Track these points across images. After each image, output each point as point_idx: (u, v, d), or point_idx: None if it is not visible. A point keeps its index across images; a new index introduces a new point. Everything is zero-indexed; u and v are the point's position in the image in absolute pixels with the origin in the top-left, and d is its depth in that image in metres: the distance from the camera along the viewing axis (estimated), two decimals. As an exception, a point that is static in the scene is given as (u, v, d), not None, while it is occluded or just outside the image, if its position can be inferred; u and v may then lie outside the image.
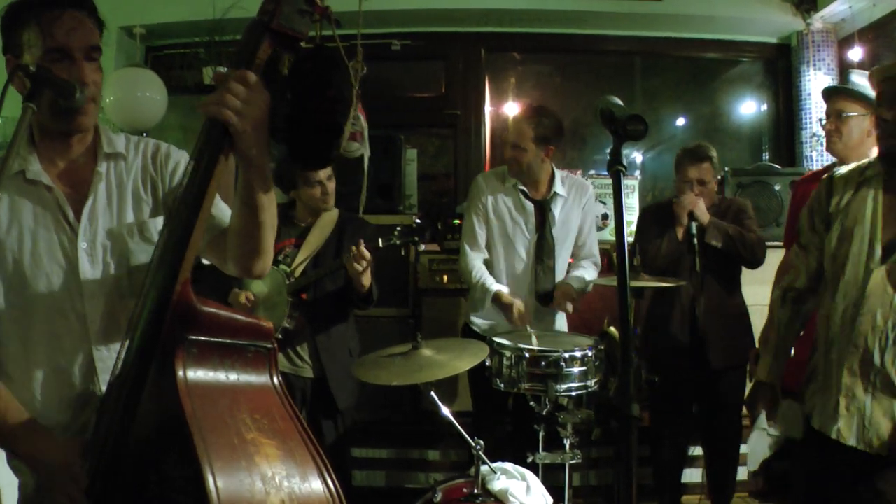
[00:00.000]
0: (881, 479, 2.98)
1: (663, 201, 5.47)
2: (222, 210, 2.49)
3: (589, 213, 5.16)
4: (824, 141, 4.51)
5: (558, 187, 5.01)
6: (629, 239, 6.01)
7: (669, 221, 5.20)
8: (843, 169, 3.35)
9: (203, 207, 1.90)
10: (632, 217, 5.99)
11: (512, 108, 7.74)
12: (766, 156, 7.59)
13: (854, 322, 3.04)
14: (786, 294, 3.55)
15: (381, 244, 4.39)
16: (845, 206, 3.21)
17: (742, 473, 5.52)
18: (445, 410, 3.79)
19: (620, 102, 2.04)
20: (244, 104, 1.89)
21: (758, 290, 5.04)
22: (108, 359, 2.28)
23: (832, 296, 3.18)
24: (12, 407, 2.27)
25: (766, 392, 3.51)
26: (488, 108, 7.55)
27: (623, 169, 1.92)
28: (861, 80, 4.18)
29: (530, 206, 4.98)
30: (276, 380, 1.99)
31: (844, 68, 6.69)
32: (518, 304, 4.72)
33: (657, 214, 5.37)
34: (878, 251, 3.04)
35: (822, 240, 3.31)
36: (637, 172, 7.55)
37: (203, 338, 1.86)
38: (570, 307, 4.90)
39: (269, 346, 1.98)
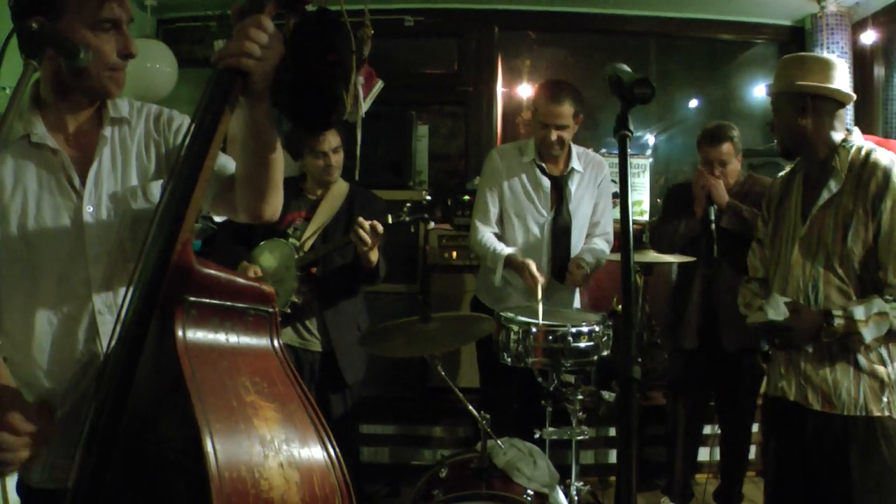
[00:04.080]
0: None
1: (688, 181, 5.43)
2: (224, 160, 2.50)
3: (604, 191, 5.14)
4: None
5: (575, 163, 5.00)
6: (645, 217, 6.01)
7: (690, 202, 5.18)
8: (783, 172, 3.90)
9: (205, 166, 1.89)
10: (641, 196, 5.96)
11: (525, 90, 7.71)
12: (777, 137, 7.46)
13: (784, 291, 3.51)
14: (749, 282, 3.91)
15: (390, 220, 4.36)
16: (779, 199, 3.74)
17: (753, 453, 5.51)
18: (453, 385, 3.78)
19: (628, 69, 2.02)
20: (264, 50, 1.90)
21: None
22: (111, 321, 2.27)
23: (772, 280, 3.67)
24: None
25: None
26: (500, 88, 7.51)
27: (629, 134, 1.90)
28: None
29: (547, 182, 4.96)
30: (276, 343, 1.97)
31: (858, 52, 6.70)
32: (531, 264, 4.68)
33: (681, 194, 5.35)
34: (799, 227, 3.52)
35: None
36: (649, 152, 7.52)
37: (203, 299, 1.84)
38: (583, 282, 4.86)
39: (270, 309, 1.97)
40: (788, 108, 3.48)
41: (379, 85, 5.26)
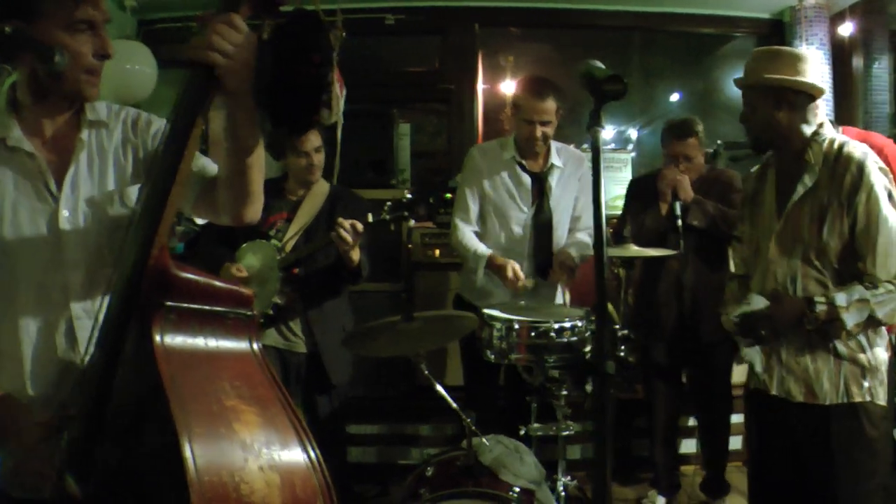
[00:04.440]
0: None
1: (651, 173, 5.44)
2: (204, 162, 2.49)
3: (585, 185, 5.09)
4: None
5: (555, 159, 5.00)
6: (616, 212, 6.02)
7: (654, 196, 5.17)
8: (755, 168, 3.91)
9: (180, 169, 1.89)
10: (623, 191, 5.97)
11: (508, 86, 7.71)
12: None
13: (762, 287, 3.56)
14: (731, 280, 3.95)
15: (370, 219, 4.36)
16: (753, 195, 3.77)
17: (735, 443, 5.52)
18: (437, 384, 3.78)
19: (602, 65, 2.03)
20: (232, 45, 1.89)
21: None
22: (89, 327, 2.26)
23: (753, 276, 3.69)
24: None
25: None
26: (482, 85, 7.50)
27: (601, 129, 1.91)
28: None
29: (527, 178, 4.96)
30: (256, 346, 1.97)
31: (836, 43, 6.73)
32: (512, 263, 4.68)
33: (644, 187, 5.36)
34: (775, 222, 3.55)
35: None
36: (631, 146, 7.53)
37: (181, 303, 1.84)
38: (566, 278, 4.87)
39: (249, 312, 1.97)
40: (762, 101, 3.49)
41: (344, 93, 5.24)
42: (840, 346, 3.35)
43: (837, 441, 3.35)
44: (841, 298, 3.24)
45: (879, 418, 3.38)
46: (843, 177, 3.31)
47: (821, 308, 3.27)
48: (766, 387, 3.54)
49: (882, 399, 3.40)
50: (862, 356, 3.36)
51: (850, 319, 3.24)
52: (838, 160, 3.36)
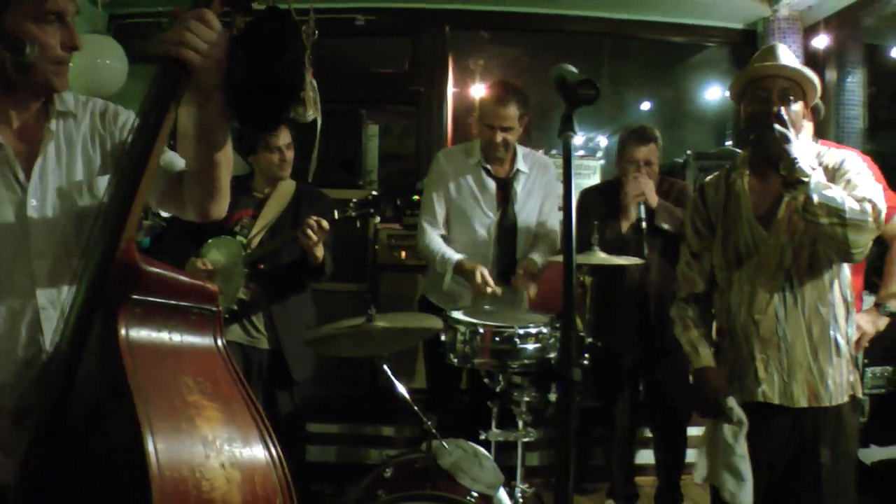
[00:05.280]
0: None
1: (609, 181, 5.43)
2: (171, 157, 2.49)
3: (550, 191, 5.14)
4: None
5: (521, 164, 5.01)
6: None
7: (608, 206, 5.15)
8: (709, 177, 3.84)
9: (150, 164, 1.89)
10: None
11: (478, 90, 7.71)
12: (728, 141, 7.59)
13: (752, 296, 3.46)
14: (688, 300, 3.82)
15: (336, 216, 4.37)
16: (722, 205, 3.65)
17: (690, 455, 5.53)
18: (398, 385, 3.78)
19: (575, 70, 2.03)
20: (205, 43, 1.90)
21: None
22: (55, 317, 2.27)
23: (728, 287, 3.58)
24: None
25: (717, 375, 3.61)
26: (451, 88, 7.50)
27: (573, 134, 1.92)
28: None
29: (492, 183, 4.97)
30: (220, 343, 1.97)
31: (810, 56, 6.71)
32: (481, 269, 4.67)
33: (602, 195, 5.33)
34: (759, 227, 3.47)
35: (710, 243, 3.71)
36: (600, 154, 7.55)
37: (147, 297, 1.85)
38: (531, 287, 4.87)
39: (214, 308, 1.97)
40: (794, 92, 3.40)
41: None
42: (839, 340, 3.38)
43: (830, 438, 3.38)
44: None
45: (860, 409, 3.50)
46: (833, 179, 3.27)
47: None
48: (766, 398, 3.44)
49: (860, 391, 3.49)
50: (846, 347, 3.41)
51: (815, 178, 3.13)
52: (826, 168, 3.33)
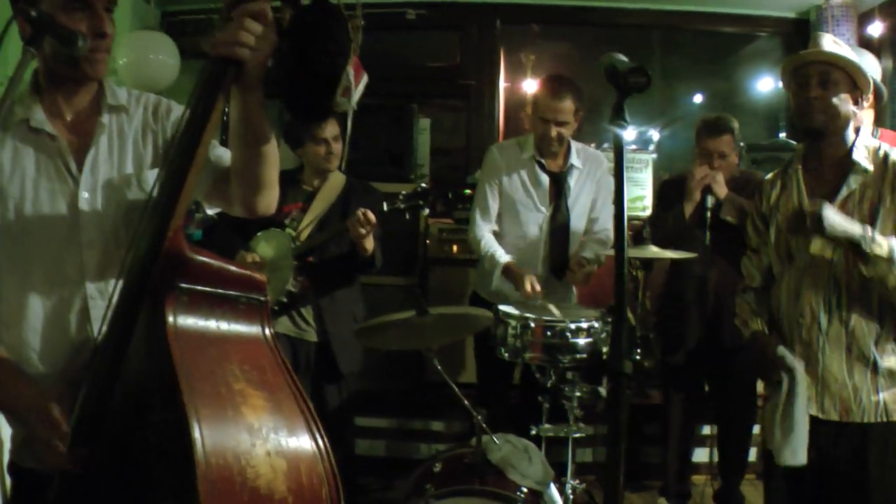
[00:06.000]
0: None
1: (683, 174, 5.37)
2: (220, 152, 2.49)
3: (603, 187, 5.08)
4: None
5: (574, 159, 4.96)
6: (647, 213, 5.95)
7: (680, 196, 5.06)
8: (770, 174, 3.81)
9: (197, 154, 1.89)
10: (644, 192, 5.93)
11: (530, 85, 7.68)
12: (782, 132, 7.49)
13: (798, 297, 3.40)
14: (745, 291, 3.79)
15: (385, 208, 4.36)
16: (775, 202, 3.59)
17: (752, 454, 5.47)
18: (448, 379, 3.77)
19: (625, 58, 2.01)
20: (259, 40, 1.91)
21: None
22: (103, 307, 2.27)
23: (780, 282, 3.53)
24: None
25: (769, 338, 3.57)
26: (503, 83, 7.49)
27: (624, 124, 1.89)
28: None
29: (545, 178, 4.93)
30: (267, 332, 1.97)
31: (864, 44, 6.53)
32: (529, 277, 4.65)
33: (674, 187, 5.26)
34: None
35: (766, 239, 3.65)
36: (652, 147, 7.49)
37: (194, 286, 1.86)
38: (583, 279, 4.84)
39: (262, 298, 1.97)
40: (842, 83, 3.32)
41: (365, 79, 5.20)
42: (878, 358, 3.27)
43: (874, 461, 3.27)
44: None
45: None
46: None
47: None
48: None
49: None
50: (887, 370, 3.29)
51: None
52: (886, 162, 3.29)
